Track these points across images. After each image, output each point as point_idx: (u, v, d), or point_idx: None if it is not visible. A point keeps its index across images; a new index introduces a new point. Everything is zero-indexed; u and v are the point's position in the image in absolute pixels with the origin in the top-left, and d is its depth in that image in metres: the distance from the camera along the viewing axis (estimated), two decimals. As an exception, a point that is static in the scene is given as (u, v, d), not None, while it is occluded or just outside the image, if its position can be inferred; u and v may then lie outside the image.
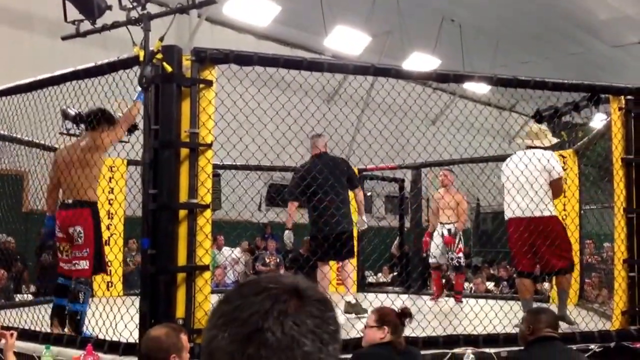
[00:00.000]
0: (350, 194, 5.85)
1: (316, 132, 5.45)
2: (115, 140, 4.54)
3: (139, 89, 4.00)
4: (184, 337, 2.85)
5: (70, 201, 4.49)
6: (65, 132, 4.88)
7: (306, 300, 0.81)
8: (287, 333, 0.77)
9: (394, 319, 3.29)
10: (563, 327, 4.62)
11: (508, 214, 5.12)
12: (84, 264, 4.41)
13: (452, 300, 7.17)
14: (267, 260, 10.99)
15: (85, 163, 4.39)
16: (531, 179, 4.94)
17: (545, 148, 5.15)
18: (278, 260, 11.05)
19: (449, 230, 7.29)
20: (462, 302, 7.08)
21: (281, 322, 0.77)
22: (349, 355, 3.66)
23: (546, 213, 5.01)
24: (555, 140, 5.45)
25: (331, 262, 6.15)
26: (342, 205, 5.42)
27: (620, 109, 4.72)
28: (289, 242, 5.96)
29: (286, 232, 5.88)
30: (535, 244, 4.99)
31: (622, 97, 4.74)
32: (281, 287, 0.81)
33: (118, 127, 4.50)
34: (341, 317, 4.92)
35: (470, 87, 14.49)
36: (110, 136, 4.49)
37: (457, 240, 7.30)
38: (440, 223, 7.44)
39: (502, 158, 7.63)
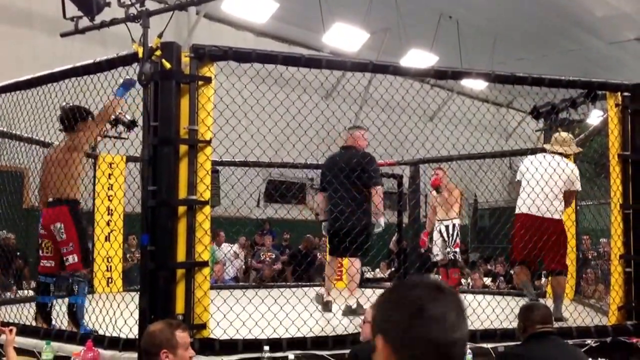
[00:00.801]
0: None
1: (356, 125, 5.59)
2: (92, 139, 4.59)
3: (132, 85, 4.01)
4: (180, 334, 2.81)
5: (51, 199, 4.55)
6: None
7: (445, 291, 1.23)
8: (439, 310, 1.19)
9: None
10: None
11: (523, 209, 5.28)
12: (74, 258, 4.47)
13: None
14: (263, 257, 11.04)
15: (64, 163, 4.46)
16: (551, 183, 5.16)
17: (567, 156, 5.42)
18: (274, 256, 11.10)
19: (447, 227, 7.33)
20: None
21: (434, 304, 1.19)
22: (347, 351, 3.69)
23: (556, 216, 5.28)
24: (577, 150, 5.64)
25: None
26: (342, 201, 5.34)
27: (617, 105, 4.74)
28: (325, 232, 5.92)
29: (323, 223, 5.83)
30: (540, 242, 5.18)
31: (619, 93, 4.75)
32: (427, 283, 1.25)
33: (94, 125, 4.56)
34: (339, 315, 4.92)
35: (468, 83, 14.52)
36: (86, 135, 4.54)
37: (454, 235, 7.35)
38: (438, 220, 7.49)
39: (499, 154, 7.69)
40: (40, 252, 4.69)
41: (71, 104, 4.54)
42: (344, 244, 5.34)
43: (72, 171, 4.50)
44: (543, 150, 5.51)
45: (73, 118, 4.56)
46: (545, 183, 5.12)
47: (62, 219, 4.48)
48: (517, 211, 5.38)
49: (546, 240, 5.17)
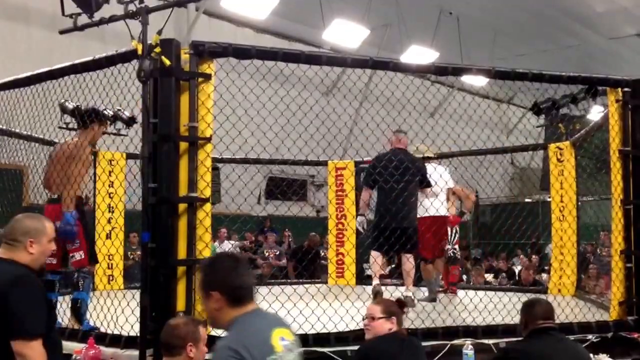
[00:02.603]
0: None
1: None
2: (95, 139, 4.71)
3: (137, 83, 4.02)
4: (202, 329, 2.91)
5: (56, 196, 4.55)
6: (64, 126, 4.89)
7: (240, 258, 2.33)
8: (242, 270, 2.17)
9: (398, 310, 3.31)
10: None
11: (431, 212, 6.11)
12: (79, 255, 4.50)
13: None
14: (267, 254, 11.04)
15: (78, 159, 4.47)
16: (438, 188, 6.11)
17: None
18: (277, 252, 11.11)
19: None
20: (457, 293, 7.12)
21: (240, 267, 2.18)
22: (349, 348, 3.68)
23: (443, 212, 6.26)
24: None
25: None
26: (398, 200, 5.47)
27: (617, 101, 4.73)
28: (360, 228, 6.04)
29: (358, 217, 5.95)
30: (440, 236, 6.34)
31: (619, 89, 4.75)
32: (232, 256, 2.32)
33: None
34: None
35: (469, 79, 14.49)
36: (96, 137, 4.68)
37: (454, 232, 7.34)
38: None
39: (500, 150, 7.68)
40: None
41: (92, 105, 4.64)
42: (403, 241, 5.45)
43: (80, 168, 4.50)
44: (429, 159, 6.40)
45: (94, 117, 4.63)
46: (441, 187, 6.12)
47: None
48: (424, 214, 6.11)
49: (443, 233, 6.35)
